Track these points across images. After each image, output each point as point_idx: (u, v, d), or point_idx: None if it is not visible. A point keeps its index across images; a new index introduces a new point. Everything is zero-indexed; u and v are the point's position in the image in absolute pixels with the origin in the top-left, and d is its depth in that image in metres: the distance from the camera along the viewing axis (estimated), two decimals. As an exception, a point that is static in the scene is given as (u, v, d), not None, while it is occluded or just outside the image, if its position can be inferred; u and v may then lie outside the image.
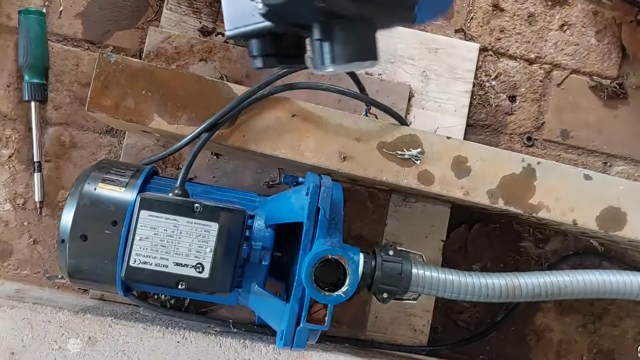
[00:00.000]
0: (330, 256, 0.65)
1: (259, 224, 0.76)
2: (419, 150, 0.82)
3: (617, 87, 1.07)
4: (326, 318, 0.70)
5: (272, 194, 0.84)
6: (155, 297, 0.94)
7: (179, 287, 0.67)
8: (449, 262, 1.03)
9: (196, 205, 0.68)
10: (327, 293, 0.65)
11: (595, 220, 0.84)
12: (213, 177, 0.97)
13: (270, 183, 0.98)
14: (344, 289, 0.66)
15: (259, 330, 0.93)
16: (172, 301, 0.94)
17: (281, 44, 0.51)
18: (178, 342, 0.85)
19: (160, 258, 0.67)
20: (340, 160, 0.81)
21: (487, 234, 1.06)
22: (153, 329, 0.85)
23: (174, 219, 0.67)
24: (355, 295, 1.02)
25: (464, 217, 1.05)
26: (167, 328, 0.86)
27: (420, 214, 1.03)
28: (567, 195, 0.83)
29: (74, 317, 0.85)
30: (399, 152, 0.82)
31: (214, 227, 0.68)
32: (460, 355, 1.04)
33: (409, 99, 1.03)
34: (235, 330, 0.92)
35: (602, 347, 1.06)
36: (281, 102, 0.80)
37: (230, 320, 0.92)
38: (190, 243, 0.67)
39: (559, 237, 1.05)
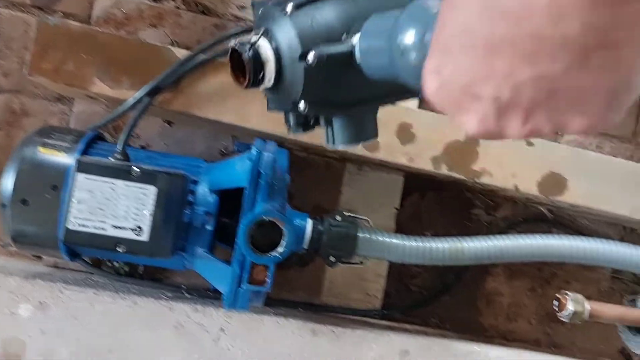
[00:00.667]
0: (265, 218, 0.66)
1: (202, 189, 0.77)
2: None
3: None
4: (267, 279, 0.72)
5: (224, 162, 0.85)
6: (109, 264, 0.95)
7: (118, 249, 0.68)
8: (402, 229, 1.05)
9: (134, 168, 0.68)
10: (262, 254, 0.66)
11: (537, 185, 0.86)
12: (165, 144, 0.97)
13: (223, 151, 0.98)
14: (279, 249, 0.67)
15: (213, 295, 0.95)
16: (126, 268, 0.95)
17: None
18: (128, 306, 0.86)
19: (99, 221, 0.67)
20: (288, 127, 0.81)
21: (440, 201, 1.08)
22: (104, 295, 0.86)
23: (112, 182, 0.67)
24: (311, 262, 1.04)
25: (417, 185, 1.06)
26: (118, 293, 0.87)
27: (375, 183, 1.04)
28: (510, 161, 0.85)
29: (24, 282, 0.86)
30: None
31: (152, 190, 0.68)
32: (412, 318, 1.06)
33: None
34: (189, 295, 0.93)
35: (550, 310, 1.09)
36: (226, 66, 0.79)
37: (184, 286, 0.93)
38: (128, 206, 0.68)
39: (509, 204, 1.08)
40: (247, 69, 0.46)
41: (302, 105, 0.47)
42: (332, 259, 0.83)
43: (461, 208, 1.08)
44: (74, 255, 0.78)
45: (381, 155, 0.83)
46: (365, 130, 0.53)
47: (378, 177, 1.04)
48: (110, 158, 0.72)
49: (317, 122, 0.53)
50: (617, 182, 0.87)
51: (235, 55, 0.47)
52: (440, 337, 0.99)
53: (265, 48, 0.45)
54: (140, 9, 0.95)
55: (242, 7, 1.00)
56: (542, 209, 1.08)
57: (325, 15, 0.45)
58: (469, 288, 1.08)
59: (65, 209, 0.67)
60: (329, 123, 0.52)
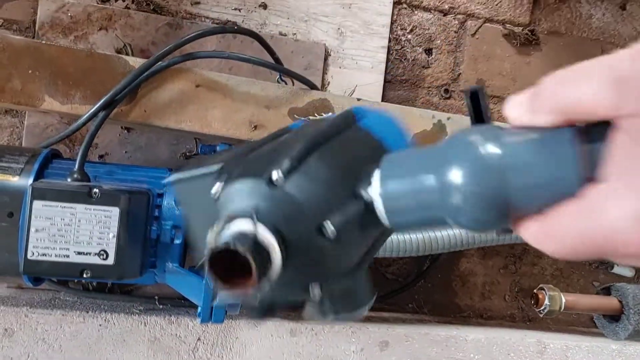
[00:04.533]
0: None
1: (168, 202, 0.74)
2: (330, 114, 0.81)
3: (529, 33, 1.08)
4: (242, 291, 0.70)
5: (187, 167, 0.82)
6: (76, 280, 0.92)
7: (84, 275, 0.65)
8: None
9: (94, 190, 0.65)
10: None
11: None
12: (126, 152, 0.94)
13: (187, 154, 0.95)
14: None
15: (187, 304, 0.93)
16: (94, 283, 0.92)
17: None
18: (100, 325, 0.84)
19: (60, 248, 0.64)
20: (251, 130, 0.79)
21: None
22: (72, 315, 0.83)
23: (71, 207, 0.64)
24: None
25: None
26: (88, 312, 0.84)
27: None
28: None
29: (-12, 309, 0.82)
30: (311, 118, 0.81)
31: (115, 211, 0.65)
32: (390, 306, 1.07)
33: (325, 58, 1.01)
34: (161, 306, 0.91)
35: (523, 286, 1.11)
36: (183, 72, 0.76)
37: (156, 297, 0.91)
38: (91, 230, 0.65)
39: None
40: (252, 266, 0.34)
41: (317, 292, 0.38)
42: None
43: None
44: (37, 280, 0.75)
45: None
46: (359, 300, 0.43)
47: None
48: (67, 179, 0.69)
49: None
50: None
51: (222, 256, 0.34)
52: (418, 323, 0.99)
53: (265, 234, 0.35)
54: (87, 11, 0.90)
55: (195, 3, 0.96)
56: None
57: (322, 176, 0.37)
58: (443, 271, 1.09)
59: (23, 238, 0.64)
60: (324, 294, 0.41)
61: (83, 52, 0.73)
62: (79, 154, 0.70)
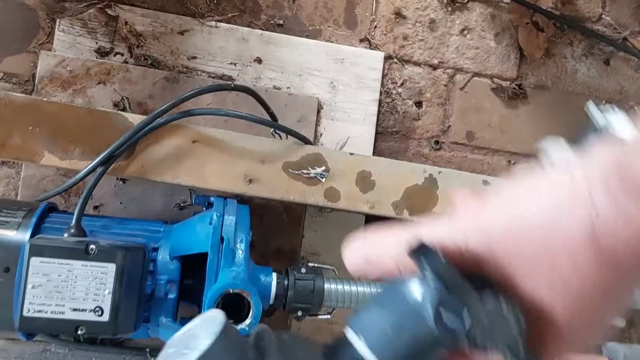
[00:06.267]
0: (231, 290, 0.65)
1: (163, 256, 0.75)
2: (324, 168, 0.83)
3: (517, 87, 1.11)
4: (236, 347, 0.70)
5: (184, 217, 0.83)
6: (67, 332, 0.91)
7: (79, 332, 0.65)
8: (367, 268, 1.05)
9: (91, 247, 0.65)
10: (230, 327, 0.65)
11: (496, 223, 0.87)
12: (120, 203, 0.94)
13: (182, 205, 0.97)
14: (247, 321, 0.66)
15: (179, 355, 0.92)
16: (85, 335, 0.91)
17: None
18: (91, 379, 0.83)
19: (56, 305, 0.64)
20: (246, 184, 0.81)
21: (402, 237, 1.09)
22: (64, 368, 0.83)
23: (68, 264, 0.65)
24: (277, 310, 1.03)
25: (379, 222, 1.07)
26: (79, 365, 0.83)
27: (336, 223, 1.04)
28: (468, 202, 0.86)
29: (-22, 363, 0.81)
30: (305, 171, 0.83)
31: (111, 267, 0.66)
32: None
33: (318, 111, 1.04)
34: (152, 358, 0.90)
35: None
36: (180, 128, 0.78)
37: (147, 349, 0.91)
38: (87, 287, 0.65)
39: (470, 235, 1.09)
40: None
41: None
42: (299, 313, 0.83)
43: (423, 243, 1.09)
44: (30, 334, 0.75)
45: (343, 204, 0.83)
46: None
47: (339, 218, 1.04)
48: (64, 234, 0.69)
49: None
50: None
51: None
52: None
53: None
54: (86, 66, 0.92)
55: (192, 58, 0.99)
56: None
57: None
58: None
59: (19, 295, 0.64)
60: None
61: (83, 109, 0.75)
62: (77, 210, 0.71)
